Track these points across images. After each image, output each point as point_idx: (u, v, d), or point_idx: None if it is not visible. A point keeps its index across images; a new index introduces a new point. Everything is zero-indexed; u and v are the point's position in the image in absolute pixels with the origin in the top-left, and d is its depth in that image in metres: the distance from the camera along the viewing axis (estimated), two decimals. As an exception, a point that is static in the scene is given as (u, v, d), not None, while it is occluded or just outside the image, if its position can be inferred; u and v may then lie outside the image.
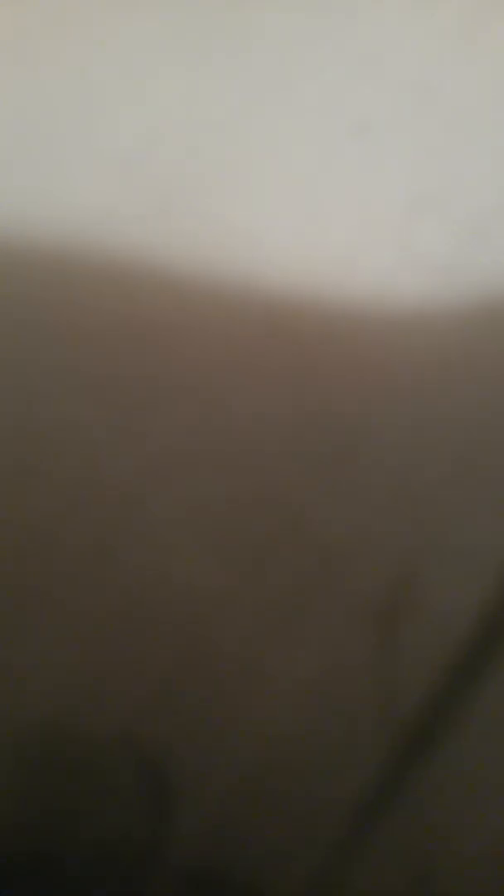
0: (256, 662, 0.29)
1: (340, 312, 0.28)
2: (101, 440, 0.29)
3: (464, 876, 0.30)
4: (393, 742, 0.29)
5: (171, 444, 0.29)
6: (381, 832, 0.30)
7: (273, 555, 0.29)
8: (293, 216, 0.29)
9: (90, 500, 0.29)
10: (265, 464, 0.29)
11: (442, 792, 0.30)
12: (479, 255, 0.28)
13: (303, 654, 0.29)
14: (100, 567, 0.29)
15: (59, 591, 0.29)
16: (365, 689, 0.29)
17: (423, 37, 0.29)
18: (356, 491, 0.29)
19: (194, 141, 0.29)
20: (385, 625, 0.29)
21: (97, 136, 0.29)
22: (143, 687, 0.30)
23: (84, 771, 0.30)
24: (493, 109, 0.29)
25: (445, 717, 0.29)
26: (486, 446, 0.29)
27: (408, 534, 0.29)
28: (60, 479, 0.29)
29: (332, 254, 0.29)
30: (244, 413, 0.29)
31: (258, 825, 0.30)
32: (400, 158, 0.29)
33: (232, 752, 0.30)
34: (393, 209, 0.29)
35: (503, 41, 0.29)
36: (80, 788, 0.30)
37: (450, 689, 0.29)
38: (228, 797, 0.30)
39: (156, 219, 0.29)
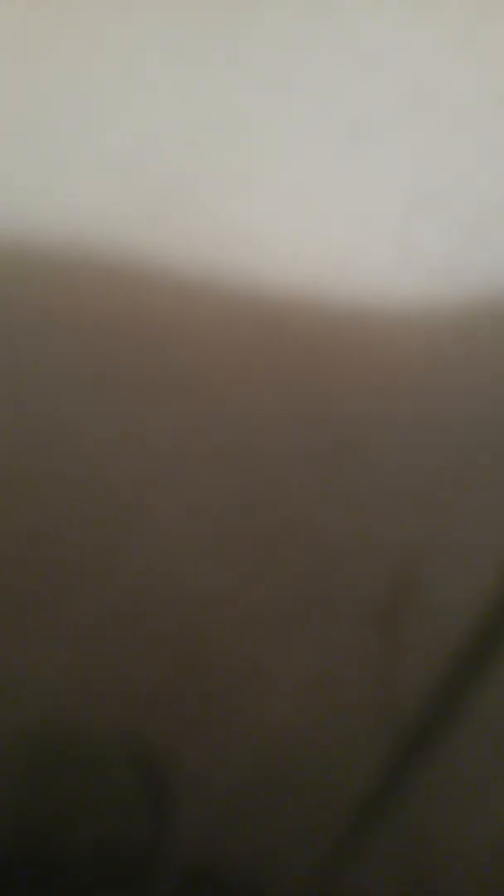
0: (256, 662, 0.29)
1: (340, 312, 0.28)
2: (101, 440, 0.29)
3: (463, 876, 0.30)
4: (393, 742, 0.29)
5: (171, 444, 0.29)
6: (381, 832, 0.30)
7: (273, 555, 0.29)
8: (293, 216, 0.29)
9: (90, 500, 0.29)
10: (265, 464, 0.29)
11: (441, 792, 0.30)
12: (478, 255, 0.28)
13: (303, 653, 0.29)
14: (100, 567, 0.29)
15: (59, 591, 0.29)
16: (365, 689, 0.29)
17: (422, 37, 0.29)
18: (356, 490, 0.29)
19: (193, 141, 0.29)
20: (385, 625, 0.29)
21: (96, 137, 0.29)
22: (143, 687, 0.30)
23: (84, 771, 0.30)
24: (492, 109, 0.29)
25: (445, 717, 0.29)
26: (486, 446, 0.29)
27: (408, 534, 0.29)
28: (61, 479, 0.29)
29: (332, 254, 0.29)
30: (244, 413, 0.29)
31: (258, 825, 0.30)
32: (399, 158, 0.29)
33: (232, 752, 0.30)
34: (392, 209, 0.29)
35: (503, 41, 0.29)
36: (80, 788, 0.30)
37: (450, 688, 0.29)
38: (228, 797, 0.30)
39: (155, 219, 0.29)
